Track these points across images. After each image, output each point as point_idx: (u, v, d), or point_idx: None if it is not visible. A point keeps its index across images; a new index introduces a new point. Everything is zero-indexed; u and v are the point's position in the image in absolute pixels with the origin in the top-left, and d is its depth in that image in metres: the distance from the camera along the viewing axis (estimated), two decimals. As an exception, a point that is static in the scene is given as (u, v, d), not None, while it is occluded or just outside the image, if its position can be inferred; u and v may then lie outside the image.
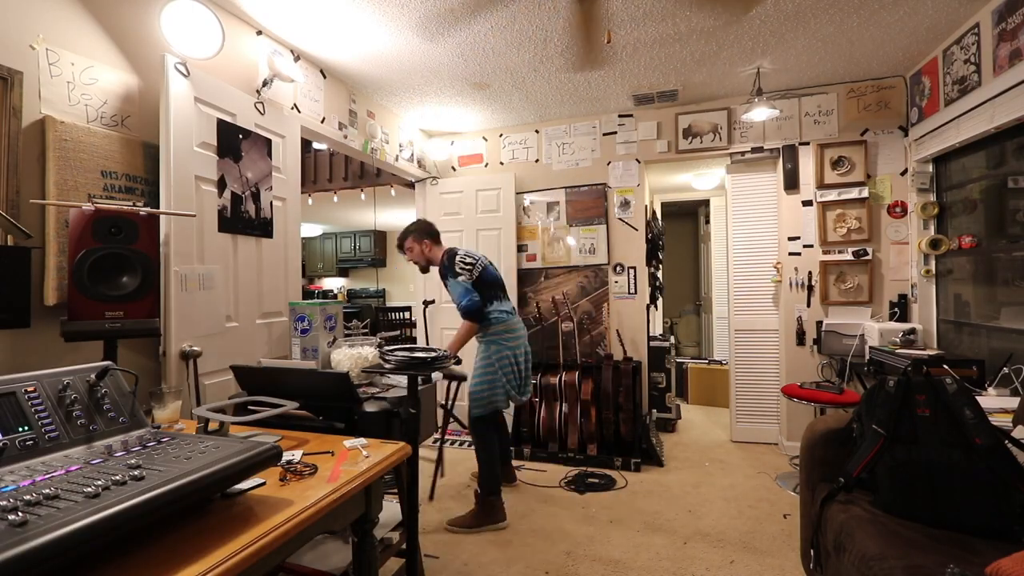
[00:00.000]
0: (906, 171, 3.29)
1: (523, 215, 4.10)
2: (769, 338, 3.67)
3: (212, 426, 1.14)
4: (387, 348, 1.89)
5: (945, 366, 2.28)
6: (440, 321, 4.20)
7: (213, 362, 2.07)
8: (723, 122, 3.63)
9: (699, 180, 5.12)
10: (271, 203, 2.48)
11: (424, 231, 2.74)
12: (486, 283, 2.62)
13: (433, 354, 1.81)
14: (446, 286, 2.65)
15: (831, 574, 1.55)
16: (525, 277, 4.07)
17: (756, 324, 3.71)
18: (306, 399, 1.45)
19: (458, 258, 2.59)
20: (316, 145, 4.51)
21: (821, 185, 3.43)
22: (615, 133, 3.88)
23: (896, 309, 3.28)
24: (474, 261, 2.62)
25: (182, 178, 1.99)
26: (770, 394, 3.64)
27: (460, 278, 2.54)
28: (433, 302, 4.13)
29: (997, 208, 2.67)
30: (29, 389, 0.91)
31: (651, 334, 4.09)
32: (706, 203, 5.90)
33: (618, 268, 3.87)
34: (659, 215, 5.61)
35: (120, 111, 1.91)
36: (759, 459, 3.39)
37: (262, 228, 2.42)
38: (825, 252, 3.44)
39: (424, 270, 2.85)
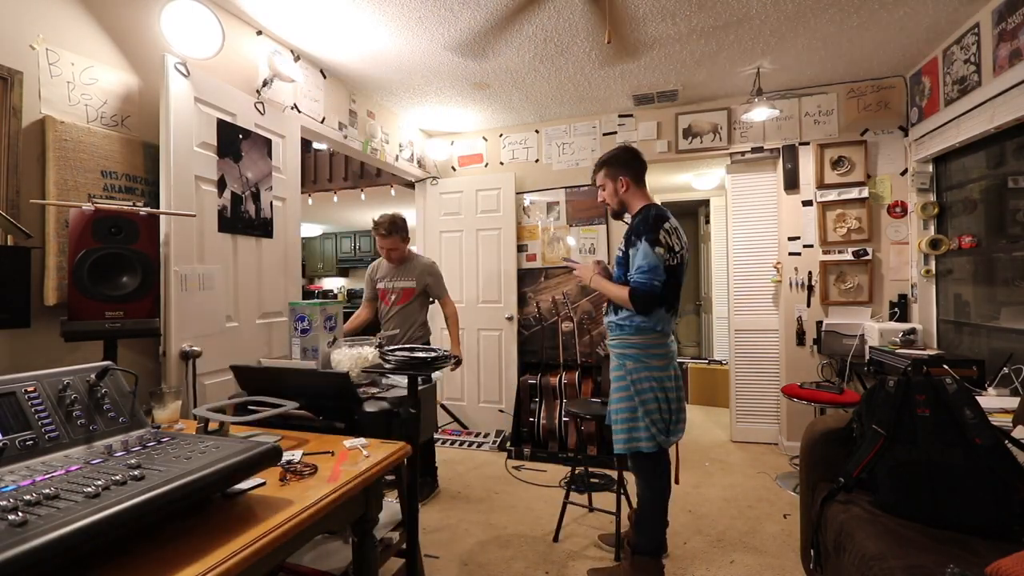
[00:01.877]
0: (906, 171, 3.29)
1: (523, 215, 4.10)
2: (769, 338, 3.67)
3: (212, 426, 1.14)
4: (387, 348, 1.89)
5: (945, 366, 2.29)
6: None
7: (213, 362, 2.07)
8: (723, 122, 3.63)
9: (699, 180, 5.12)
10: (271, 203, 2.48)
11: (622, 163, 2.05)
12: (676, 282, 1.93)
13: (433, 354, 1.81)
14: (626, 249, 1.95)
15: (831, 574, 1.55)
16: (525, 277, 4.07)
17: (756, 324, 3.71)
18: (306, 399, 1.45)
19: (667, 225, 1.89)
20: (316, 145, 4.51)
21: (821, 185, 3.43)
22: (615, 133, 3.88)
23: (896, 309, 3.28)
24: (681, 244, 1.93)
25: (182, 178, 1.99)
26: (770, 394, 3.64)
27: (658, 249, 1.85)
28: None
29: (997, 208, 2.67)
30: (29, 389, 0.91)
31: (651, 334, 4.08)
32: (706, 203, 5.90)
33: (618, 268, 3.87)
34: (659, 215, 5.59)
35: (120, 111, 1.91)
36: (759, 459, 3.39)
37: (262, 228, 2.42)
38: (825, 252, 3.44)
39: (616, 215, 2.13)
